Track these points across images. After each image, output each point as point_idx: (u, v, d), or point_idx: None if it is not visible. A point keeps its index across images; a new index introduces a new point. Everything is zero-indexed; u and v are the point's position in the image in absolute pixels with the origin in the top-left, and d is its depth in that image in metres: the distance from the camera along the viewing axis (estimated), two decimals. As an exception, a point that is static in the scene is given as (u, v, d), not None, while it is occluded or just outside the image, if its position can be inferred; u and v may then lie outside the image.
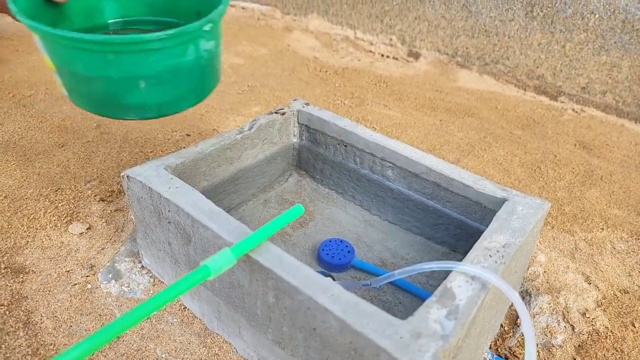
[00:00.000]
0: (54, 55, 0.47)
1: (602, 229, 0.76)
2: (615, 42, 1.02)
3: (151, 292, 0.59)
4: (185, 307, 0.57)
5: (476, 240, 0.47)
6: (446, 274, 0.43)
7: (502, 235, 0.48)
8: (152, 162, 0.56)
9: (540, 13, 1.07)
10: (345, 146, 0.67)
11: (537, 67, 1.14)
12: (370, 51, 1.35)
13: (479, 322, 0.44)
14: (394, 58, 1.33)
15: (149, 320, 0.56)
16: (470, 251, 0.45)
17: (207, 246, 0.48)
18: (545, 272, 0.66)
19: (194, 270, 0.39)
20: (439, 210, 0.61)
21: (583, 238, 0.74)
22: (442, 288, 0.41)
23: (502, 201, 0.54)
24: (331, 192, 0.72)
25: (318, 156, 0.70)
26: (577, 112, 1.11)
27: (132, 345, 0.53)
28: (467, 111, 1.08)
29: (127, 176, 0.54)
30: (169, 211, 0.51)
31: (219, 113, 1.01)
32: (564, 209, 0.80)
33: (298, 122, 0.71)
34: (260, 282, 0.44)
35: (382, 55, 1.34)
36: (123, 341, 0.53)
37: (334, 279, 0.54)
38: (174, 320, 0.56)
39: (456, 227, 0.59)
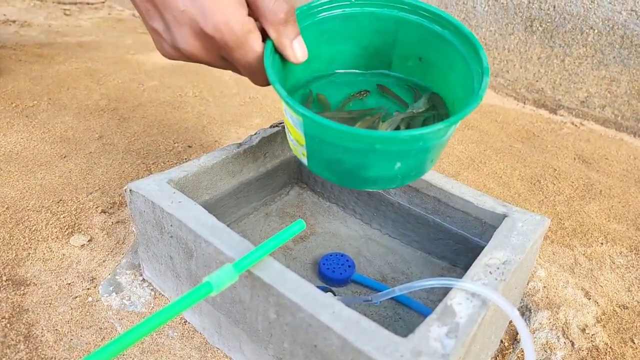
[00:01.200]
0: (315, 139, 0.43)
1: (602, 243, 0.77)
2: (614, 57, 1.03)
3: (152, 305, 0.59)
4: (185, 321, 0.57)
5: (476, 256, 0.47)
6: (447, 289, 0.43)
7: (502, 252, 0.48)
8: (154, 176, 0.56)
9: (539, 27, 1.08)
10: (346, 160, 0.68)
11: (537, 81, 1.15)
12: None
13: (479, 339, 0.44)
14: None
15: (149, 334, 0.56)
16: (471, 268, 0.46)
17: (209, 261, 0.48)
18: (545, 287, 0.66)
19: (197, 286, 0.39)
20: (439, 225, 0.61)
21: (582, 253, 0.74)
22: (442, 305, 0.41)
23: (502, 217, 0.54)
24: (332, 206, 0.73)
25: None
26: (576, 125, 1.12)
27: (133, 359, 0.53)
28: (466, 124, 1.09)
29: (130, 190, 0.54)
30: (171, 226, 0.51)
31: (220, 125, 1.01)
32: (564, 224, 0.81)
33: (299, 136, 0.71)
34: (261, 298, 0.44)
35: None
36: (123, 355, 0.53)
37: (334, 294, 0.54)
38: (175, 334, 0.56)
39: (456, 242, 0.60)
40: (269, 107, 1.10)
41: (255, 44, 0.41)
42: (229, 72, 1.28)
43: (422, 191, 0.61)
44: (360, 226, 0.69)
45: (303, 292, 0.41)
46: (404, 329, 0.54)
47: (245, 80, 1.23)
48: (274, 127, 0.69)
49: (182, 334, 0.56)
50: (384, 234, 0.67)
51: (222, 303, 0.50)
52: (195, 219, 0.49)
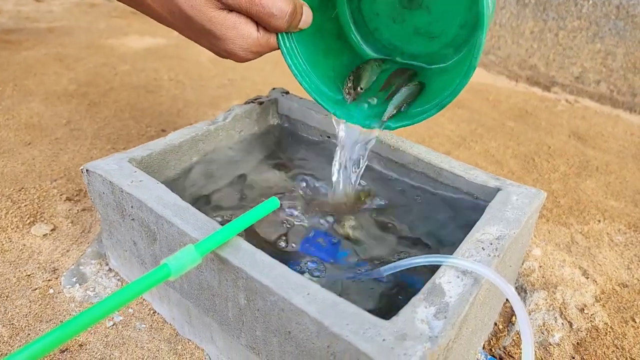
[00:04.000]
0: None
1: (599, 221, 0.73)
2: (609, 29, 0.99)
3: (118, 296, 0.54)
4: (154, 312, 0.53)
5: (467, 233, 0.43)
6: (435, 268, 0.39)
7: (496, 227, 0.44)
8: (115, 155, 0.51)
9: (531, 0, 1.04)
10: (329, 137, 0.63)
11: (530, 57, 1.10)
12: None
13: (471, 320, 0.40)
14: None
15: (114, 326, 0.51)
16: (461, 244, 0.41)
17: (172, 244, 0.44)
18: (540, 266, 0.62)
19: (153, 269, 0.35)
20: (427, 201, 0.57)
21: (579, 231, 0.70)
22: (430, 284, 0.37)
23: (495, 191, 0.50)
24: (314, 183, 0.68)
25: (299, 148, 0.66)
26: (570, 102, 1.08)
27: (96, 353, 0.48)
28: (457, 103, 1.05)
29: (87, 170, 0.49)
30: (131, 207, 0.46)
31: (197, 108, 0.96)
32: (559, 201, 0.77)
33: (277, 112, 0.67)
34: (230, 282, 0.39)
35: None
36: (86, 349, 0.49)
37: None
38: (142, 326, 0.51)
39: (447, 219, 0.55)
40: (248, 89, 1.05)
41: None
42: (207, 54, 1.23)
43: (408, 166, 0.57)
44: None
45: (275, 273, 0.37)
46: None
47: (224, 62, 1.18)
48: (249, 103, 0.65)
49: (151, 325, 0.51)
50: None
51: (190, 290, 0.45)
52: (157, 199, 0.44)
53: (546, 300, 0.57)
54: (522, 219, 0.46)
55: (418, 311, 0.34)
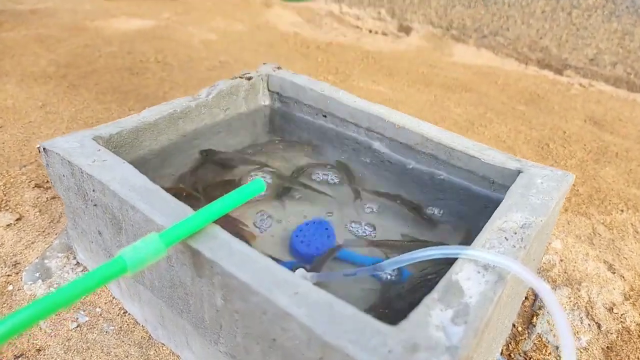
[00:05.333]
0: None
1: (622, 210, 0.66)
2: (627, 7, 0.92)
3: (86, 293, 0.48)
4: (125, 312, 0.46)
5: (484, 222, 0.36)
6: (450, 262, 0.32)
7: (520, 214, 0.38)
8: (78, 133, 0.44)
9: (543, -24, 0.97)
10: (325, 116, 0.57)
11: (541, 38, 1.03)
12: (357, 26, 1.24)
13: (493, 324, 0.33)
14: (383, 34, 1.22)
15: (78, 328, 0.44)
16: (481, 233, 0.35)
17: (140, 234, 0.37)
18: (562, 260, 0.56)
19: (106, 262, 0.28)
20: (438, 185, 0.50)
21: (601, 221, 0.64)
22: (445, 281, 0.30)
23: (516, 173, 0.44)
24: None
25: (293, 128, 0.59)
26: (584, 86, 1.01)
27: (55, 359, 0.42)
28: (464, 86, 0.98)
29: (44, 149, 0.42)
30: (93, 191, 0.40)
31: (185, 90, 0.89)
32: (578, 190, 0.70)
33: (268, 89, 0.60)
34: (205, 278, 0.33)
35: (370, 31, 1.23)
36: (44, 355, 0.42)
37: (306, 270, 0.43)
38: (111, 328, 0.45)
39: (460, 203, 0.49)
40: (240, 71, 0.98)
41: None
42: (199, 36, 1.15)
43: (416, 148, 0.50)
44: (345, 188, 0.57)
45: (256, 267, 0.30)
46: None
47: (216, 44, 1.11)
48: (236, 78, 0.58)
49: (120, 327, 0.45)
50: (373, 196, 0.55)
51: (162, 287, 0.39)
52: (122, 181, 0.38)
53: (570, 298, 0.50)
54: (550, 204, 0.39)
55: (432, 315, 0.28)
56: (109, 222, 0.40)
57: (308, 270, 0.41)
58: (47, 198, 0.60)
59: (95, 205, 0.41)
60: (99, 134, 0.45)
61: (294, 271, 0.41)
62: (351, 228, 0.47)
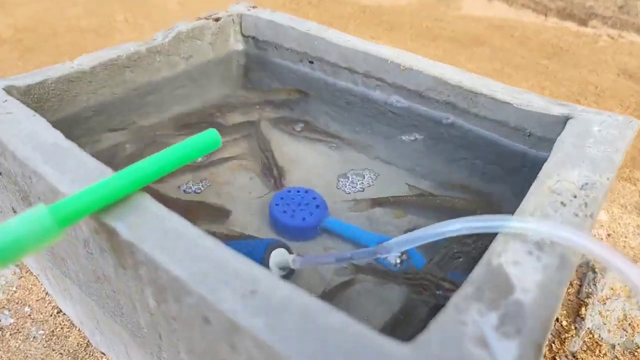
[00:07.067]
0: None
1: (672, 174, 0.55)
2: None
3: (14, 288, 0.38)
4: (59, 311, 0.36)
5: (520, 184, 0.26)
6: (485, 240, 0.22)
7: (576, 170, 0.27)
8: (-16, 81, 0.34)
9: None
10: (312, 62, 0.45)
11: (562, -16, 0.91)
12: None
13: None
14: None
15: (0, 331, 0.35)
16: (526, 196, 0.24)
17: (50, 209, 0.26)
18: (609, 235, 0.45)
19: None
20: (458, 140, 0.39)
21: (648, 187, 0.53)
22: (482, 268, 0.20)
23: (562, 121, 0.33)
24: (297, 122, 0.50)
25: (271, 79, 0.48)
26: (613, 37, 0.89)
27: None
28: (475, 40, 0.86)
29: None
30: (-8, 154, 0.29)
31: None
32: (617, 151, 0.59)
33: (241, 33, 0.48)
34: (129, 270, 0.23)
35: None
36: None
37: (290, 252, 0.32)
38: (40, 332, 0.35)
39: (486, 163, 0.38)
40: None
41: None
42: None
43: (427, 95, 0.39)
44: (337, 150, 0.45)
45: (197, 253, 0.20)
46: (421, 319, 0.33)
47: (195, 3, 0.98)
48: (202, 19, 0.46)
49: (53, 331, 0.35)
50: (373, 157, 0.44)
51: (88, 282, 0.29)
52: (25, 138, 0.27)
53: (624, 283, 0.40)
54: (615, 158, 0.28)
55: (467, 321, 0.17)
56: (18, 196, 0.30)
57: (290, 252, 0.31)
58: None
59: (0, 173, 0.30)
60: (13, 83, 0.34)
61: (270, 252, 0.31)
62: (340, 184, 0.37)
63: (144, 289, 0.23)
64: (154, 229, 0.21)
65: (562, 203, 0.25)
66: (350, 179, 0.39)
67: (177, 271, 0.20)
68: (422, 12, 0.97)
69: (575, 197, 0.25)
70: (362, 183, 0.39)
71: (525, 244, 0.22)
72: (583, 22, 0.92)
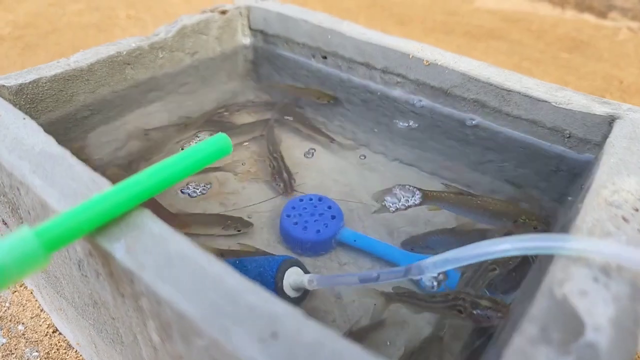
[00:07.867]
0: None
1: None
2: None
3: (7, 303, 0.35)
4: (55, 330, 0.34)
5: (559, 191, 0.23)
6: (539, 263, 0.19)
7: (633, 178, 0.24)
8: (-30, 80, 0.31)
9: None
10: (325, 57, 0.42)
11: (581, -26, 0.87)
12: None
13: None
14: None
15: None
16: (580, 211, 0.21)
17: (39, 222, 0.24)
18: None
19: None
20: (487, 141, 0.36)
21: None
22: (544, 299, 0.17)
23: (606, 121, 0.30)
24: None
25: (281, 76, 0.45)
26: (634, 30, 0.85)
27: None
28: (491, 34, 0.82)
29: None
30: (-22, 162, 0.26)
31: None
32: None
33: (249, 27, 0.45)
34: (129, 299, 0.20)
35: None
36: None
37: (305, 271, 0.29)
38: (34, 354, 0.32)
39: (517, 166, 0.34)
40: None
41: None
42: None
43: (453, 92, 0.36)
44: (352, 151, 0.42)
45: (205, 285, 0.17)
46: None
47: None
48: (207, 12, 0.43)
49: (48, 353, 0.32)
50: (392, 159, 0.40)
51: (84, 306, 0.26)
52: (12, 144, 0.24)
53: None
54: (675, 163, 0.25)
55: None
56: (8, 208, 0.27)
57: (305, 271, 0.28)
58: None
59: (-14, 184, 0.27)
60: (4, 83, 0.32)
61: (284, 272, 0.28)
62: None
63: (146, 322, 0.20)
64: (155, 253, 0.18)
65: (623, 218, 0.22)
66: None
67: (183, 306, 0.17)
68: (434, 5, 0.93)
69: (637, 210, 0.22)
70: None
71: (590, 269, 0.19)
72: (602, 15, 0.88)
